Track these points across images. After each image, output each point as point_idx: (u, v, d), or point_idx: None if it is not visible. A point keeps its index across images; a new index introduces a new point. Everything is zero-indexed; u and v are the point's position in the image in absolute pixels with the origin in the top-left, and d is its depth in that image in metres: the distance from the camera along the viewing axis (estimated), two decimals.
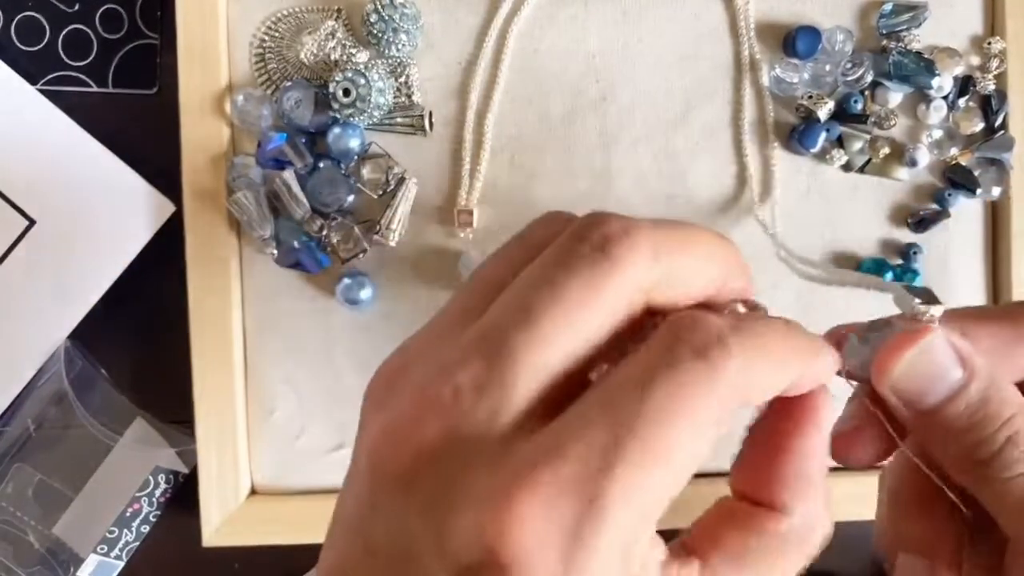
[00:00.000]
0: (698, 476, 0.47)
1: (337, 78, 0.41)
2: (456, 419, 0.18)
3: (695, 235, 0.21)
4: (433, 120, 0.43)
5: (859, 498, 0.42)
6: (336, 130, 0.42)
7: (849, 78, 0.42)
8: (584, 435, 0.18)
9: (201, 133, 0.42)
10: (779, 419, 0.22)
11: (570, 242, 0.20)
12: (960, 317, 0.24)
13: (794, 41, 0.42)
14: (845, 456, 0.25)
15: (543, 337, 0.19)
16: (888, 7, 0.42)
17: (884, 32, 0.43)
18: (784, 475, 0.21)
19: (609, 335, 0.19)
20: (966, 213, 0.44)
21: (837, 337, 0.24)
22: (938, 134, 0.43)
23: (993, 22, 0.43)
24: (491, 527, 0.17)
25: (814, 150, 0.43)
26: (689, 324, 0.19)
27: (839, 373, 0.23)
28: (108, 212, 0.44)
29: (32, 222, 0.44)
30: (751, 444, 0.23)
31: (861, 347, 0.24)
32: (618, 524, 0.17)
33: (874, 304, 0.26)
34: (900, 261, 0.43)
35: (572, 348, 0.19)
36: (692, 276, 0.21)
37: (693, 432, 0.18)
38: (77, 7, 0.45)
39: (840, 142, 0.43)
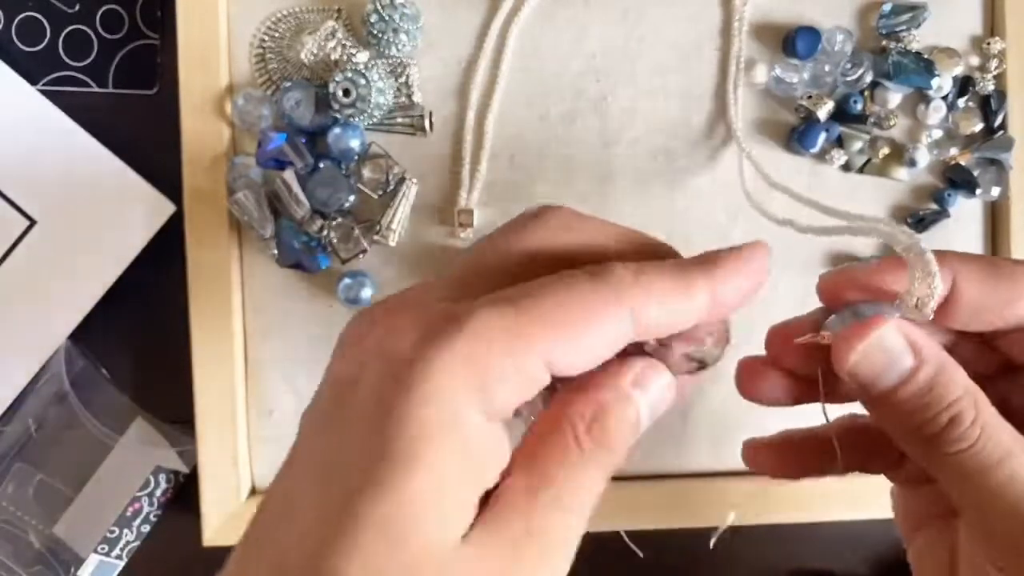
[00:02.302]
0: (701, 476, 0.47)
1: (337, 78, 0.41)
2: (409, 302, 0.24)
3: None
4: (433, 120, 0.43)
5: (858, 498, 0.42)
6: (336, 130, 0.42)
7: (849, 78, 0.42)
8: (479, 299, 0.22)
9: (201, 133, 0.42)
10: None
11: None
12: (951, 261, 0.26)
13: (794, 41, 0.42)
14: (752, 390, 0.28)
15: (478, 257, 0.25)
16: (888, 7, 0.42)
17: (884, 32, 0.43)
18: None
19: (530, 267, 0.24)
20: (966, 213, 0.44)
21: (830, 286, 0.27)
22: (938, 134, 0.43)
23: (993, 22, 0.43)
24: (382, 328, 0.22)
25: (814, 150, 0.43)
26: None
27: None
28: (108, 212, 0.44)
29: (32, 222, 0.44)
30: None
31: (836, 322, 0.26)
32: (470, 337, 0.21)
33: None
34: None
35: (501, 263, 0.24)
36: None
37: (566, 313, 0.22)
38: (77, 7, 0.45)
39: (840, 142, 0.43)
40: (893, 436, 0.27)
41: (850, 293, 0.26)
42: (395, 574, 0.20)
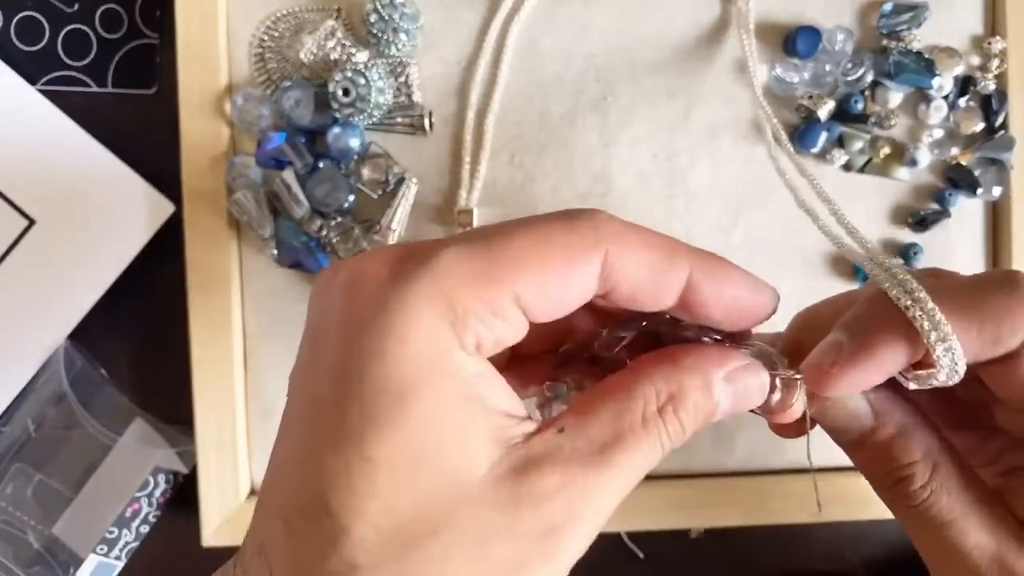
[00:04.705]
0: (701, 477, 0.47)
1: (337, 78, 0.41)
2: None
3: None
4: (433, 120, 0.43)
5: (859, 498, 0.42)
6: (336, 130, 0.42)
7: (849, 78, 0.42)
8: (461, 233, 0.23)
9: (201, 133, 0.42)
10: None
11: None
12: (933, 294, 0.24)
13: (794, 41, 0.42)
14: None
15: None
16: (888, 7, 0.42)
17: (884, 32, 0.42)
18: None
19: None
20: (967, 213, 0.43)
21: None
22: (939, 134, 0.43)
23: (994, 22, 0.43)
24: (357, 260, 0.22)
25: (814, 150, 0.43)
26: None
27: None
28: (108, 212, 0.44)
29: (32, 222, 0.44)
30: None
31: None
32: (437, 274, 0.20)
33: None
34: (900, 261, 0.43)
35: None
36: None
37: (533, 246, 0.21)
38: (76, 7, 0.45)
39: (840, 142, 0.43)
40: (862, 474, 0.28)
41: (842, 386, 0.25)
42: (414, 507, 0.20)
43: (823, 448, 0.28)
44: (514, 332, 0.22)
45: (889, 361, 0.24)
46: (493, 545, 0.20)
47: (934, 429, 0.27)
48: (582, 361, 0.28)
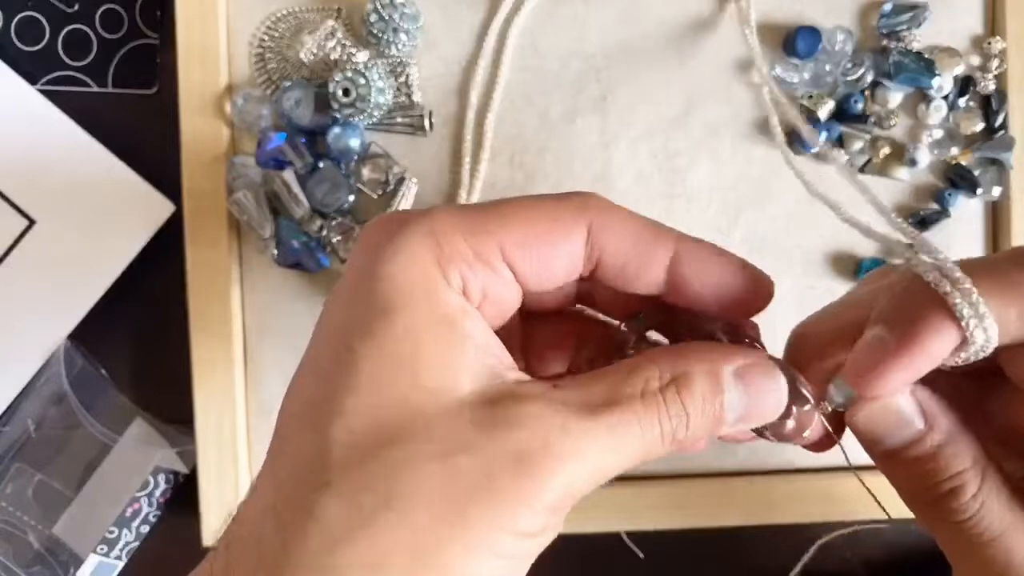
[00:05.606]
0: (701, 476, 0.47)
1: (337, 78, 0.41)
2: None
3: None
4: (433, 120, 0.43)
5: (858, 498, 0.42)
6: (336, 130, 0.42)
7: (849, 78, 0.42)
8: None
9: (201, 133, 0.42)
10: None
11: None
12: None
13: (794, 41, 0.42)
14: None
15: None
16: (888, 7, 0.42)
17: (884, 32, 0.42)
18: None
19: None
20: (966, 213, 0.43)
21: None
22: (938, 134, 0.43)
23: (993, 22, 0.43)
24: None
25: (814, 150, 0.43)
26: None
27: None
28: (108, 212, 0.44)
29: (32, 222, 0.44)
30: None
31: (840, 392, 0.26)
32: (432, 219, 0.22)
33: None
34: (899, 261, 0.43)
35: None
36: None
37: (523, 208, 0.23)
38: (77, 7, 0.45)
39: (840, 142, 0.43)
40: (898, 491, 0.26)
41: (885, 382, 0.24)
42: (389, 412, 0.21)
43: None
44: (503, 288, 0.23)
45: (938, 348, 0.23)
46: (461, 459, 0.20)
47: (977, 432, 0.25)
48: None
